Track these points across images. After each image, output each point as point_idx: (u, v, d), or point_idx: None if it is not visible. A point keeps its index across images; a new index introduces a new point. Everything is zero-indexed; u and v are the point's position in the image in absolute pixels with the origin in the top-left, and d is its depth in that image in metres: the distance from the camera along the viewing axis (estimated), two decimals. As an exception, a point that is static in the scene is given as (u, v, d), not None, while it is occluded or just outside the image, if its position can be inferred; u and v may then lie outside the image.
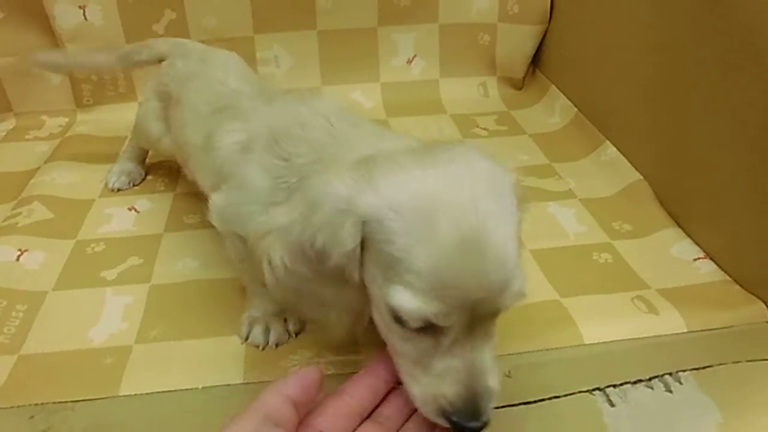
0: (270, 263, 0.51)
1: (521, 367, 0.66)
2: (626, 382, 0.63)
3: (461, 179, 0.45)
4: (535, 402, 0.61)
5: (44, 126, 1.23)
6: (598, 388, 0.62)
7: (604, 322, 0.71)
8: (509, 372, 0.65)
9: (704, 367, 0.64)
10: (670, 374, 0.64)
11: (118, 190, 1.00)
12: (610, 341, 0.69)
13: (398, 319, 0.46)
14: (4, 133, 1.21)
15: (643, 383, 0.63)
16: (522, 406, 0.61)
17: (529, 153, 1.11)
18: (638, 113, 0.99)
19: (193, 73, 0.83)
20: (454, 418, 0.46)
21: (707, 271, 0.80)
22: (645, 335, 0.70)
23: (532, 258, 0.83)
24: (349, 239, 0.45)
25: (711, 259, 0.81)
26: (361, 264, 0.47)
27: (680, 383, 0.63)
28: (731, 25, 0.75)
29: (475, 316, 0.45)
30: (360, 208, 0.45)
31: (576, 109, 1.17)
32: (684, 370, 0.64)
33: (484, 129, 1.19)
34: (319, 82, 1.29)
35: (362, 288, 0.49)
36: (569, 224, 0.90)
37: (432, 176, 0.45)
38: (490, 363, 0.47)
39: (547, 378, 0.64)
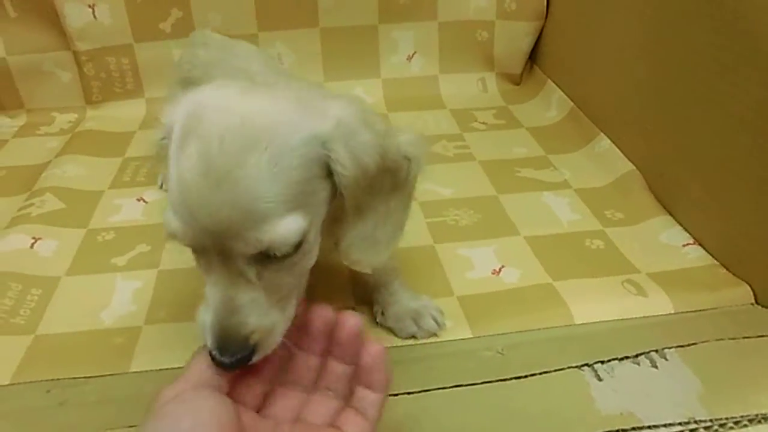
0: None
1: (514, 345, 0.69)
2: (614, 359, 0.66)
3: (248, 110, 0.44)
4: (525, 377, 0.64)
5: (55, 122, 1.27)
6: (586, 364, 0.65)
7: (594, 303, 0.74)
8: (502, 349, 0.68)
9: (689, 345, 0.67)
10: (656, 351, 0.67)
11: None
12: (600, 321, 0.72)
13: None
14: (16, 129, 1.25)
15: (629, 359, 0.66)
16: (513, 381, 0.64)
17: (526, 146, 1.13)
18: (631, 106, 1.01)
19: (215, 60, 0.85)
20: (207, 345, 0.46)
21: (695, 255, 0.82)
22: (633, 316, 0.73)
23: (526, 244, 0.86)
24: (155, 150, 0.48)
25: (699, 244, 0.84)
26: None
27: (665, 359, 0.65)
28: (727, 19, 0.78)
29: (224, 250, 0.43)
30: (165, 120, 0.47)
31: (572, 103, 1.20)
32: (669, 347, 0.67)
33: (483, 123, 1.22)
34: (321, 78, 1.32)
35: None
36: (563, 213, 0.93)
37: (219, 98, 0.45)
38: (246, 303, 0.45)
39: (538, 355, 0.67)
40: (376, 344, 0.50)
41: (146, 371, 0.67)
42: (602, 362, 0.66)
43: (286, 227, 0.43)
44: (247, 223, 0.42)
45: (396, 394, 0.61)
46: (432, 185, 0.99)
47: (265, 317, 0.46)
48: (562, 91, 1.24)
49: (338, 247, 0.53)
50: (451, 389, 0.63)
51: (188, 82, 0.89)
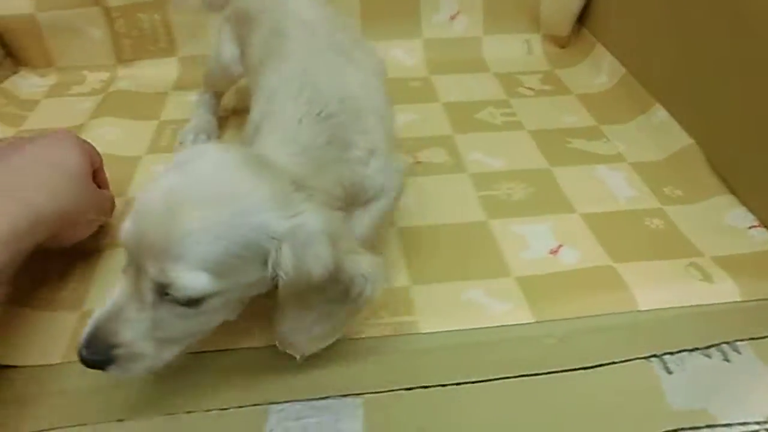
0: None
1: (576, 332, 0.66)
2: (683, 350, 0.63)
3: (228, 178, 0.50)
4: (592, 367, 0.62)
5: (86, 81, 1.23)
6: (654, 355, 0.63)
7: (658, 289, 0.71)
8: (564, 336, 0.66)
9: (761, 337, 0.64)
10: (728, 343, 0.64)
11: None
12: (665, 308, 0.69)
13: None
14: (47, 89, 1.22)
15: (700, 351, 0.63)
16: (579, 371, 0.62)
17: (576, 114, 1.09)
18: (689, 75, 0.96)
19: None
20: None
21: (762, 239, 0.79)
22: (699, 303, 0.70)
23: (583, 222, 0.82)
24: None
25: (766, 227, 0.80)
26: None
27: (738, 353, 0.63)
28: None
29: (140, 264, 0.49)
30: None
31: (624, 69, 1.14)
32: (741, 340, 0.64)
33: (530, 89, 1.17)
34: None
35: None
36: (619, 189, 0.89)
37: (218, 152, 0.52)
38: (129, 319, 0.50)
39: (603, 344, 0.65)
40: None
41: None
42: (671, 353, 0.63)
43: (191, 280, 0.47)
44: (165, 254, 0.47)
45: (459, 384, 0.60)
46: (481, 155, 0.95)
47: (139, 342, 0.50)
48: (613, 56, 1.18)
49: (273, 328, 0.56)
50: (513, 379, 0.61)
51: (243, 14, 0.87)
